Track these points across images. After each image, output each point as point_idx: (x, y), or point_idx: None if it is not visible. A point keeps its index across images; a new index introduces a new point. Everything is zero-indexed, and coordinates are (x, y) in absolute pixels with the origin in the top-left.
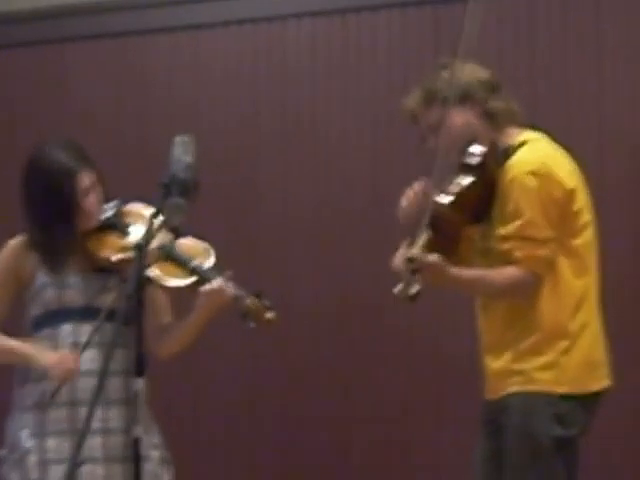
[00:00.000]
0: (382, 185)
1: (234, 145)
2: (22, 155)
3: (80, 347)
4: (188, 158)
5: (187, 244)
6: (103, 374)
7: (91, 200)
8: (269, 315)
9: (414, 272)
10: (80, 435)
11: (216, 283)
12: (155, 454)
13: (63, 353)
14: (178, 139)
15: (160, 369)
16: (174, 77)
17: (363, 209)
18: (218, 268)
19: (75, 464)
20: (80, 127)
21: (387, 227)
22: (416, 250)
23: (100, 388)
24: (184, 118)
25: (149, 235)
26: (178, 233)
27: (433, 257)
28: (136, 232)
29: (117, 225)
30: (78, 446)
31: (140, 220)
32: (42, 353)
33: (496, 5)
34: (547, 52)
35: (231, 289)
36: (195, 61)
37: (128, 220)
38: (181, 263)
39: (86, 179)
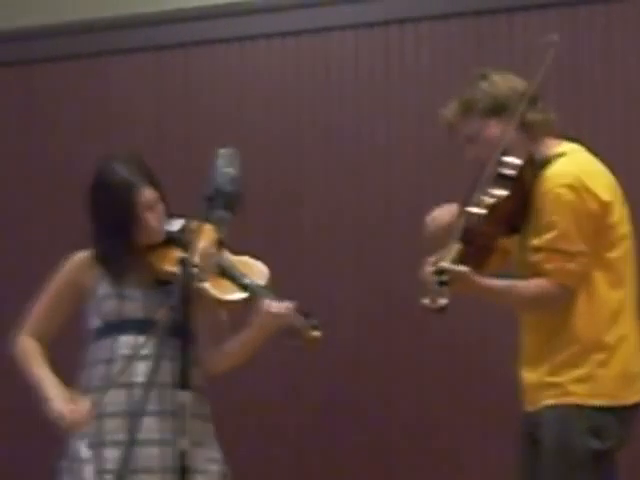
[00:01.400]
0: (427, 196)
1: (278, 158)
2: (66, 168)
3: (134, 361)
4: (232, 171)
5: (243, 262)
6: (148, 385)
7: (153, 215)
8: (315, 333)
9: (443, 284)
10: (125, 446)
11: (280, 306)
12: (214, 468)
13: (75, 406)
14: (222, 151)
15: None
16: (217, 89)
17: (407, 221)
18: (273, 289)
19: (121, 474)
20: (123, 140)
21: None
22: (446, 262)
23: (145, 399)
24: (227, 130)
25: (195, 248)
26: (222, 246)
27: (463, 269)
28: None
29: (182, 241)
30: (125, 457)
31: (205, 237)
32: (57, 400)
33: (539, 19)
34: (590, 64)
35: (291, 312)
36: (238, 74)
37: (193, 237)
38: (235, 279)
39: (147, 194)
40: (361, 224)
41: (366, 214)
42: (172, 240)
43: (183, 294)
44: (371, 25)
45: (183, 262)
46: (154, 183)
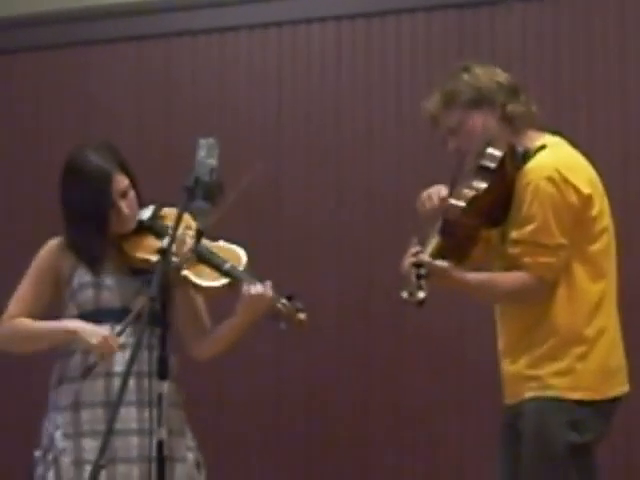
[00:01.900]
0: (406, 188)
1: (258, 148)
2: (46, 157)
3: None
4: (212, 161)
5: (220, 247)
6: (126, 375)
7: (127, 202)
8: (301, 316)
9: (422, 277)
10: (104, 436)
11: (259, 287)
12: (190, 456)
13: (107, 334)
14: (202, 142)
15: (184, 369)
16: (199, 80)
17: (387, 211)
18: (253, 271)
19: (98, 465)
20: (104, 130)
21: (410, 230)
22: (425, 255)
23: (122, 389)
24: (208, 121)
25: (174, 237)
26: (202, 236)
27: (441, 263)
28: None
29: (154, 228)
30: (102, 448)
31: (181, 224)
32: (83, 331)
33: (521, 11)
34: (571, 59)
35: (272, 292)
36: (220, 64)
37: (165, 223)
38: (215, 265)
39: (122, 181)
40: (340, 214)
41: (346, 204)
42: (144, 227)
43: (163, 283)
44: (353, 17)
45: (163, 252)
46: (126, 170)
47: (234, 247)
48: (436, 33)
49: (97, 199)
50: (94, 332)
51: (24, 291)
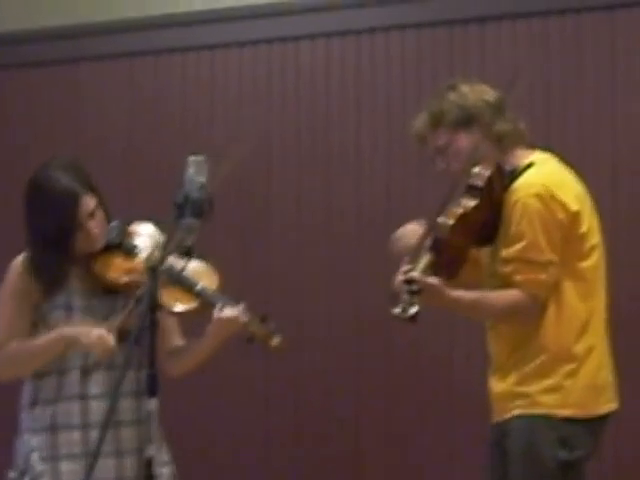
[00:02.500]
0: (396, 204)
1: (248, 165)
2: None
3: (89, 371)
4: (202, 178)
5: (192, 266)
6: (115, 396)
7: (95, 223)
8: (275, 341)
9: (413, 294)
10: (92, 458)
11: (231, 311)
12: (165, 472)
13: (100, 332)
14: (192, 159)
15: (167, 387)
16: (188, 97)
17: (377, 228)
18: (225, 293)
19: None
20: (94, 147)
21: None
22: (417, 272)
23: (112, 410)
24: (198, 138)
25: (163, 257)
26: (191, 254)
27: (433, 279)
28: (142, 252)
29: (123, 246)
30: (89, 469)
31: (145, 240)
32: (80, 334)
33: (510, 28)
34: (561, 75)
35: (243, 316)
36: (209, 81)
37: (133, 240)
38: (186, 287)
39: (89, 202)
40: (331, 231)
41: (336, 220)
42: (111, 246)
43: (151, 302)
44: (342, 33)
45: (153, 270)
46: (93, 189)
47: (206, 266)
48: (426, 50)
49: (64, 222)
50: (89, 333)
51: (7, 315)
